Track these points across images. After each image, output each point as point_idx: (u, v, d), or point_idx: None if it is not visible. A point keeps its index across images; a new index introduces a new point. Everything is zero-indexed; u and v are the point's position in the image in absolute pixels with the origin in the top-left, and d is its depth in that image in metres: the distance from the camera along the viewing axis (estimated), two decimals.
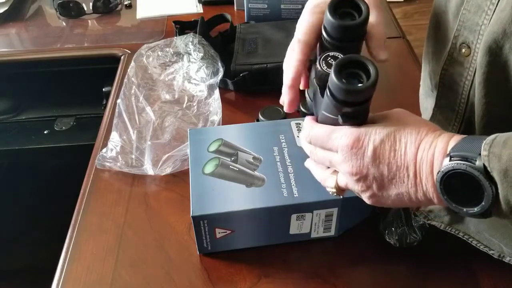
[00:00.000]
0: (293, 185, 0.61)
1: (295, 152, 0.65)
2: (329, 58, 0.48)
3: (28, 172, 1.19)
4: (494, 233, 0.56)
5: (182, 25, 1.04)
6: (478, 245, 0.58)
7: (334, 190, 0.50)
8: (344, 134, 0.46)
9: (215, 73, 0.87)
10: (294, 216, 0.60)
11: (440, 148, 0.42)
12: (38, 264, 1.11)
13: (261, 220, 0.60)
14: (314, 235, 0.63)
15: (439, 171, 0.41)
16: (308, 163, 0.55)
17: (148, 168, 0.74)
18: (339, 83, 0.43)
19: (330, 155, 0.48)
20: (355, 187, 0.47)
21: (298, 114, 0.83)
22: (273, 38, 0.96)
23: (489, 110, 0.50)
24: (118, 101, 0.83)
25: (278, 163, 0.64)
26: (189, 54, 0.91)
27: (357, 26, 0.47)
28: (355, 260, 0.62)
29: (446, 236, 0.61)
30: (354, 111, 0.45)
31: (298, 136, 0.68)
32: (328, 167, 0.51)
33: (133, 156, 0.76)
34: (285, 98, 0.54)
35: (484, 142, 0.39)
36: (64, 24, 1.20)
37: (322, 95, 0.47)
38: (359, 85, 0.43)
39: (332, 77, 0.43)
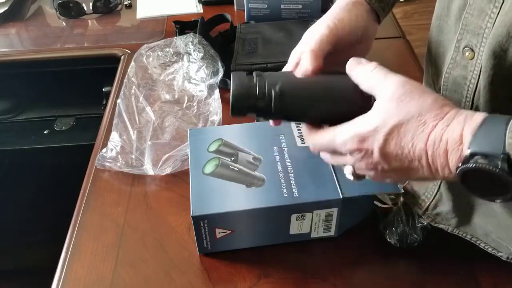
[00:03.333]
0: (293, 185, 0.61)
1: (295, 152, 0.65)
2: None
3: (28, 172, 1.19)
4: (502, 235, 0.56)
5: (182, 25, 1.04)
6: (486, 247, 0.58)
7: (352, 177, 0.50)
8: (347, 139, 0.45)
9: (215, 73, 0.87)
10: (294, 216, 0.60)
11: (452, 140, 0.40)
12: (38, 264, 1.11)
13: (261, 220, 0.60)
14: (314, 235, 0.63)
15: (458, 167, 0.39)
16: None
17: (148, 168, 0.74)
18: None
19: (342, 158, 0.48)
20: (373, 176, 0.47)
21: None
22: (273, 38, 0.96)
23: (496, 113, 0.50)
24: (118, 101, 0.83)
25: (278, 163, 0.64)
26: (189, 54, 0.91)
27: None
28: (355, 260, 0.62)
29: (446, 236, 0.61)
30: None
31: (298, 136, 0.68)
32: None
33: (133, 156, 0.76)
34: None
35: (508, 129, 0.38)
36: (64, 24, 1.20)
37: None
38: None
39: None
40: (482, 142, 0.39)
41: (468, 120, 0.41)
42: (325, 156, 0.51)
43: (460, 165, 0.39)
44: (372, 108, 0.45)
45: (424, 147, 0.42)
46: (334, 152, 0.48)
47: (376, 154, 0.44)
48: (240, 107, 0.50)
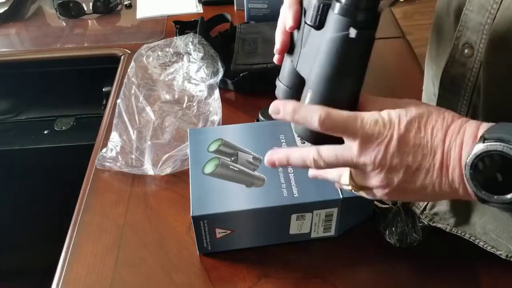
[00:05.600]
0: (293, 185, 0.61)
1: None
2: None
3: (28, 172, 1.19)
4: (502, 233, 0.56)
5: (182, 25, 1.05)
6: (485, 246, 0.58)
7: (350, 188, 0.47)
8: (369, 122, 0.43)
9: (215, 73, 0.87)
10: (294, 216, 0.60)
11: (470, 133, 0.40)
12: (38, 264, 1.11)
13: (261, 220, 0.60)
14: (314, 235, 0.63)
15: (469, 155, 0.39)
16: (312, 171, 0.51)
17: (148, 168, 0.74)
18: None
19: (344, 152, 0.44)
20: (374, 182, 0.44)
21: None
22: (273, 38, 0.96)
23: (495, 111, 0.49)
24: (118, 101, 0.83)
25: None
26: (189, 54, 0.91)
27: None
28: (355, 260, 0.62)
29: (446, 236, 0.61)
30: (367, 17, 0.43)
31: (298, 136, 0.68)
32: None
33: (133, 156, 0.76)
34: (279, 42, 0.53)
35: None
36: (64, 24, 1.20)
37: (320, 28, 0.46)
38: None
39: None
40: (496, 131, 0.39)
41: (484, 122, 0.41)
42: (308, 154, 0.46)
43: (471, 152, 0.39)
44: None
45: (443, 137, 0.41)
46: (348, 134, 0.43)
47: (394, 143, 0.42)
48: None
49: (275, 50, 0.54)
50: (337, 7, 0.44)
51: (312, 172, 0.51)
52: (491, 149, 0.38)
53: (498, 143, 0.38)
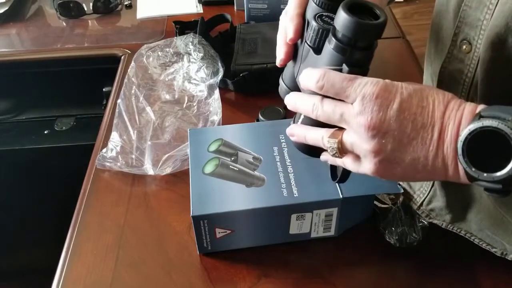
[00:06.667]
0: (293, 185, 0.61)
1: (295, 152, 0.65)
2: (324, 17, 0.48)
3: (28, 172, 1.19)
4: (497, 230, 0.56)
5: (182, 25, 1.05)
6: (481, 243, 0.58)
7: (335, 145, 0.45)
8: (370, 81, 0.42)
9: (215, 73, 0.87)
10: (294, 216, 0.60)
11: (469, 110, 0.41)
12: (38, 264, 1.11)
13: (261, 220, 0.61)
14: (314, 235, 0.63)
15: (464, 130, 0.39)
16: (296, 127, 0.50)
17: (148, 168, 0.74)
18: (353, 18, 0.41)
19: (343, 106, 0.43)
20: (366, 146, 0.42)
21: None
22: (273, 38, 0.95)
23: None
24: (118, 101, 0.83)
25: (278, 163, 0.64)
26: (189, 54, 0.91)
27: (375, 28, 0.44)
28: (355, 260, 0.62)
29: (446, 236, 0.61)
30: (361, 56, 0.43)
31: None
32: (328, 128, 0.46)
33: (133, 156, 0.76)
34: (282, 52, 0.53)
35: None
36: (64, 24, 1.20)
37: (318, 53, 0.47)
38: (373, 21, 0.42)
39: (343, 14, 0.42)
40: (494, 109, 0.39)
41: (482, 104, 0.41)
42: (315, 103, 0.45)
43: (467, 127, 0.39)
44: None
45: (444, 110, 0.41)
46: (342, 92, 0.43)
47: (395, 105, 0.41)
48: None
49: (279, 60, 0.55)
50: (333, 42, 0.44)
51: (290, 130, 0.51)
52: (486, 125, 0.38)
53: (493, 120, 0.38)
